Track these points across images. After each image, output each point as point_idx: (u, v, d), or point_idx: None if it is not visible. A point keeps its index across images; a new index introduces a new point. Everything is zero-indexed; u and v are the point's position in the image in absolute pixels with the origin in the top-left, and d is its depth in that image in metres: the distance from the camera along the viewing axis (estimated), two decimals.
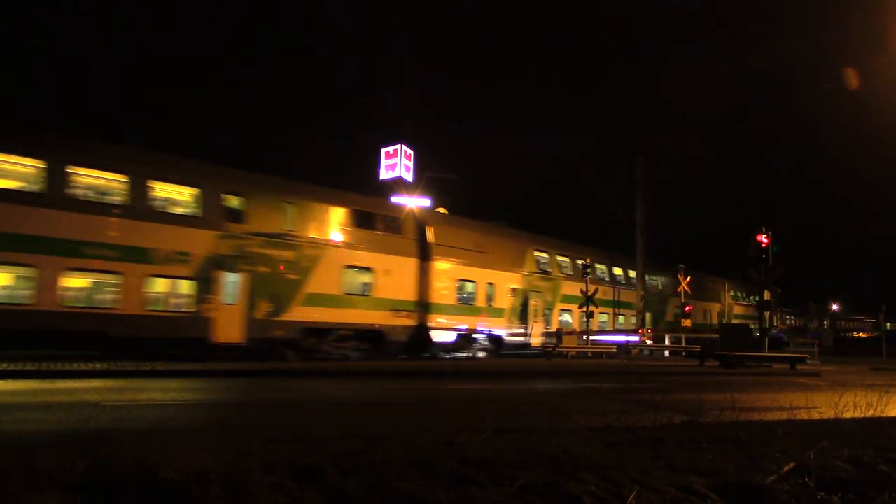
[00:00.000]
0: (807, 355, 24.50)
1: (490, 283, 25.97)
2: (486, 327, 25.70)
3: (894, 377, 18.93)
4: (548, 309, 29.30)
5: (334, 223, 20.53)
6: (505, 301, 26.62)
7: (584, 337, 28.94)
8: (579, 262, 32.34)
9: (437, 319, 23.33)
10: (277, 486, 3.36)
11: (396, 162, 39.05)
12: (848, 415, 6.59)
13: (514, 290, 27.05)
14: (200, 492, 3.16)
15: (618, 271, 36.01)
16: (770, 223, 25.39)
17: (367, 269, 21.20)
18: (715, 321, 43.33)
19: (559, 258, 31.16)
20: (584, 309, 28.51)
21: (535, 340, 27.89)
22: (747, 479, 3.80)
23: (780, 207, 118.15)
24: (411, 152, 39.97)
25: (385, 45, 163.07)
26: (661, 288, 39.26)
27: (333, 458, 3.97)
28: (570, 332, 29.08)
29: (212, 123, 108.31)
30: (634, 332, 32.54)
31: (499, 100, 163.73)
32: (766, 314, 27.86)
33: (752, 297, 48.42)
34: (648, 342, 32.90)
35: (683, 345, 30.85)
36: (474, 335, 25.13)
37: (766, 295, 24.64)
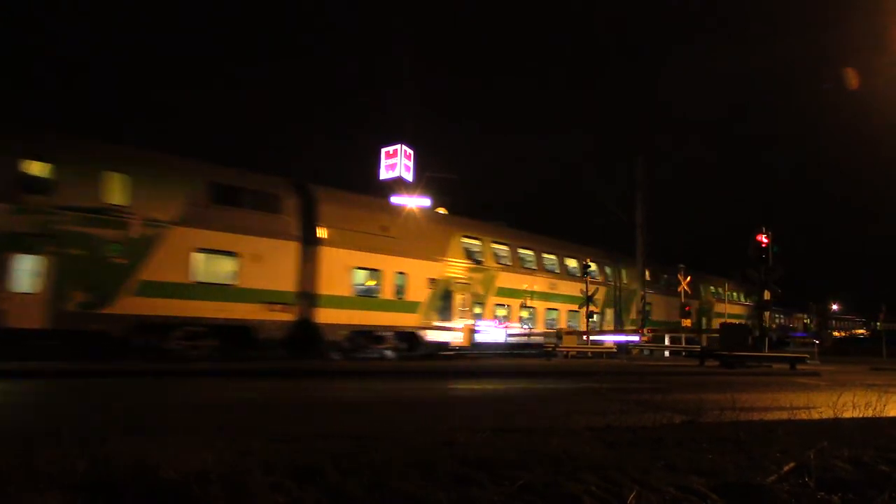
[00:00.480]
0: (807, 355, 24.56)
1: (400, 273, 22.74)
2: (395, 323, 22.39)
3: (893, 377, 18.93)
4: (478, 303, 26.26)
5: (181, 198, 17.48)
6: (421, 293, 23.41)
7: (584, 337, 29.00)
8: (522, 251, 29.45)
9: (326, 314, 20.18)
10: (277, 486, 3.36)
11: (396, 162, 39.12)
12: (847, 414, 6.59)
13: (433, 281, 23.88)
14: (200, 492, 3.16)
15: (572, 263, 32.47)
16: (770, 223, 25.54)
17: (228, 254, 18.22)
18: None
19: (494, 246, 27.78)
20: (584, 309, 28.58)
21: (460, 339, 24.88)
22: (747, 479, 3.79)
23: (780, 207, 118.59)
24: (411, 152, 40.06)
25: (385, 45, 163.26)
26: (625, 282, 36.70)
27: (333, 458, 3.97)
28: (571, 332, 29.14)
29: (212, 123, 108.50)
30: (635, 331, 32.59)
31: (499, 100, 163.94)
32: (766, 314, 27.92)
33: (734, 294, 48.10)
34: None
35: (683, 345, 30.99)
36: (379, 333, 21.97)
37: (767, 295, 24.66)
